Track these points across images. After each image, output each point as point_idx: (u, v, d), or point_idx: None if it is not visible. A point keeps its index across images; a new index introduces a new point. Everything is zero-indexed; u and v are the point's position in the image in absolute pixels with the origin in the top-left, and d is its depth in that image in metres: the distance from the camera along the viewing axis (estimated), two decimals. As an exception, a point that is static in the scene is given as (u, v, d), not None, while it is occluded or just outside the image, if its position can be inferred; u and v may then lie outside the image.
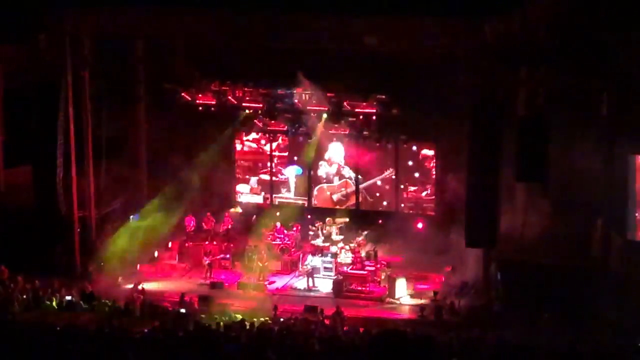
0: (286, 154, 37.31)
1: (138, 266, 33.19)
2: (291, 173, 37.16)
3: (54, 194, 31.76)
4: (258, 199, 37.70)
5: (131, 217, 36.02)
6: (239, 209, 37.04)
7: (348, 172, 36.79)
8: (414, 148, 35.62)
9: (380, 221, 35.41)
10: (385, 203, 36.38)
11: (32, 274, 29.91)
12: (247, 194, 37.92)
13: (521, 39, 28.01)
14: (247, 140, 37.60)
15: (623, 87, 28.17)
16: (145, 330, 24.37)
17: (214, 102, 34.44)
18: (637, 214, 29.01)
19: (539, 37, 28.13)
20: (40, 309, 27.97)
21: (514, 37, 28.08)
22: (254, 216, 36.28)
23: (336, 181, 37.00)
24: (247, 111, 34.86)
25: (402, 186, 36.01)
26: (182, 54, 35.40)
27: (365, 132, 34.09)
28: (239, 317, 27.24)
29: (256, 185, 37.83)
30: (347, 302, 30.28)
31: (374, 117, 33.40)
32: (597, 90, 28.75)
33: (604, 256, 29.19)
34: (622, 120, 28.44)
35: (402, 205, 36.15)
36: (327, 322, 27.85)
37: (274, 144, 37.23)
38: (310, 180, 37.07)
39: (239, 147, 37.75)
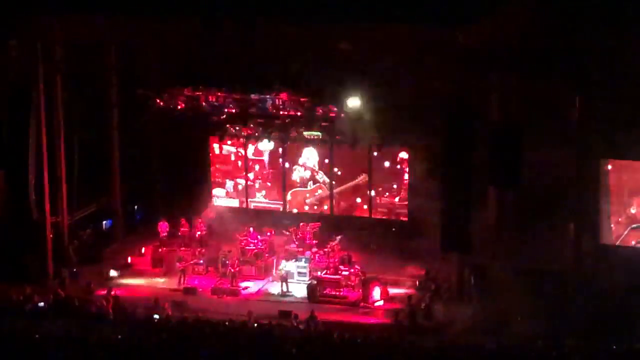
0: (261, 157, 37.32)
1: (111, 272, 33.05)
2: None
3: (26, 199, 31.61)
4: (234, 203, 37.70)
5: (104, 222, 35.98)
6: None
7: (322, 177, 36.84)
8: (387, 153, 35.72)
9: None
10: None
11: (3, 280, 29.74)
12: (222, 197, 37.92)
13: (493, 46, 28.13)
14: (222, 144, 37.56)
15: (594, 92, 28.36)
16: (119, 337, 24.26)
17: (187, 107, 34.36)
18: (608, 218, 29.26)
19: (510, 44, 28.25)
20: (12, 316, 27.76)
21: (486, 44, 28.20)
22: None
23: (310, 186, 37.05)
24: (220, 116, 34.78)
25: (373, 192, 36.12)
26: (155, 59, 35.30)
27: (338, 137, 34.11)
28: None
29: (232, 190, 37.83)
30: (321, 306, 30.31)
31: (348, 123, 33.41)
32: (568, 96, 28.92)
33: (577, 260, 29.36)
34: (593, 125, 28.64)
35: (376, 210, 36.22)
36: (301, 326, 27.86)
37: (249, 149, 37.24)
38: (284, 184, 37.15)
39: (214, 151, 37.72)
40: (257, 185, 37.51)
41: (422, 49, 29.30)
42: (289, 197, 37.19)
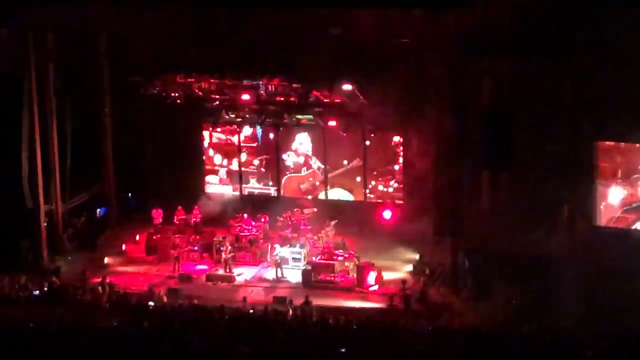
0: (255, 144, 37.31)
1: (105, 259, 33.07)
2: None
3: (19, 188, 31.57)
4: (227, 190, 37.72)
5: (98, 210, 35.97)
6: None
7: (316, 162, 36.85)
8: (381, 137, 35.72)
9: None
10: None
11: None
12: (216, 184, 37.93)
13: (485, 30, 28.12)
14: (215, 131, 37.54)
15: (586, 75, 28.35)
16: (114, 324, 24.30)
17: (179, 94, 34.32)
18: (602, 200, 29.31)
19: (502, 27, 28.25)
20: (8, 305, 27.81)
21: (478, 27, 28.19)
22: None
23: (304, 171, 37.05)
24: (213, 103, 34.74)
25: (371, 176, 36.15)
26: (147, 46, 35.20)
27: (331, 123, 34.11)
28: None
29: (225, 176, 37.83)
30: (316, 292, 30.35)
31: (341, 107, 33.39)
32: (560, 79, 28.92)
33: (571, 242, 29.40)
34: (586, 107, 28.64)
35: (370, 194, 36.25)
36: (296, 312, 27.91)
37: (242, 135, 37.24)
38: (278, 170, 37.17)
39: (206, 138, 37.71)
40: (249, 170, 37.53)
41: (414, 33, 29.30)
42: (283, 182, 37.21)
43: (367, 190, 36.07)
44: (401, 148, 35.41)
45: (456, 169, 28.95)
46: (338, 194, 36.54)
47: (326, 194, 36.75)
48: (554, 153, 28.88)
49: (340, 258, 31.88)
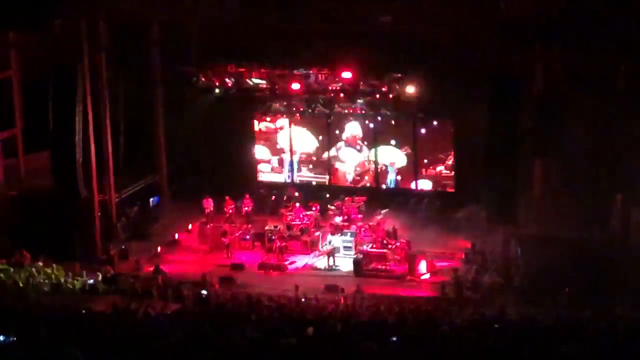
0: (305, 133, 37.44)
1: (159, 248, 33.32)
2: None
3: (73, 178, 31.84)
4: (279, 178, 37.85)
5: (151, 200, 36.22)
6: None
7: (366, 151, 36.81)
8: (435, 123, 35.57)
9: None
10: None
11: (53, 259, 30.08)
12: (268, 172, 38.07)
13: (537, 16, 27.87)
14: (263, 120, 37.66)
15: (639, 60, 27.99)
16: (168, 313, 24.44)
17: (231, 84, 34.46)
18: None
19: (554, 13, 27.98)
20: (62, 294, 28.08)
21: (530, 13, 27.95)
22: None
23: (354, 160, 37.03)
24: (264, 93, 34.83)
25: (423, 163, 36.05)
26: (198, 36, 35.38)
27: (381, 111, 34.03)
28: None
29: (277, 165, 37.96)
30: (367, 280, 30.34)
31: (390, 96, 33.31)
32: (614, 65, 28.59)
33: (624, 230, 29.11)
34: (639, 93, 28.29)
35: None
36: (347, 301, 27.92)
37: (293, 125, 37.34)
38: (329, 159, 37.20)
39: (257, 127, 37.83)
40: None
41: (466, 20, 29.13)
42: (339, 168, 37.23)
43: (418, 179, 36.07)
44: (452, 135, 35.32)
45: (508, 156, 28.72)
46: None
47: (377, 182, 36.72)
48: (608, 140, 28.59)
49: (391, 247, 31.86)
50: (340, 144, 36.94)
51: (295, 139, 37.46)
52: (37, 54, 32.34)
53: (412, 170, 36.15)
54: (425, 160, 35.99)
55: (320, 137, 36.98)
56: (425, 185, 35.93)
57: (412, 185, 36.25)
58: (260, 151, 37.90)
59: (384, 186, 36.65)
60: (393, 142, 36.23)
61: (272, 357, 15.41)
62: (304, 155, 37.62)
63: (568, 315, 24.28)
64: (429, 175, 36.01)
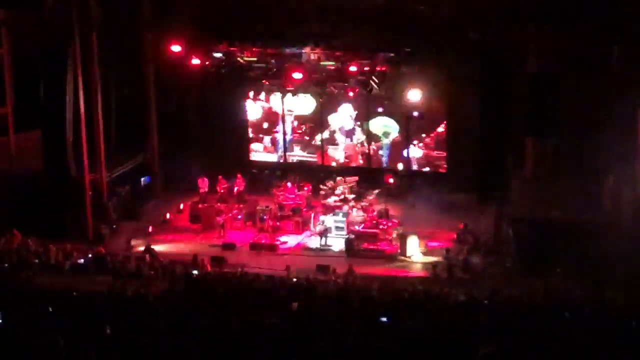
0: (298, 112, 37.31)
1: (150, 228, 33.25)
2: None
3: (64, 157, 31.73)
4: (272, 158, 37.79)
5: (142, 179, 36.14)
6: None
7: (358, 131, 36.75)
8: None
9: (391, 180, 35.55)
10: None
11: (43, 238, 30.01)
12: (260, 152, 38.01)
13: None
14: (258, 99, 37.57)
15: (633, 40, 27.94)
16: (158, 292, 24.39)
17: (222, 63, 34.31)
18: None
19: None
20: (53, 273, 28.01)
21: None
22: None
23: (347, 141, 36.98)
24: (256, 72, 34.70)
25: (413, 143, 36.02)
26: (189, 15, 35.20)
27: (373, 91, 33.94)
28: None
29: (270, 144, 37.89)
30: (359, 260, 30.33)
31: (383, 76, 33.20)
32: (606, 45, 28.53)
33: (616, 211, 29.11)
34: (632, 74, 28.23)
35: (413, 163, 36.15)
36: (339, 280, 27.91)
37: (285, 103, 37.20)
38: (322, 139, 37.15)
39: (249, 106, 37.74)
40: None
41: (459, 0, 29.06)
42: (330, 152, 37.17)
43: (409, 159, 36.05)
44: (444, 115, 35.30)
45: (500, 136, 28.71)
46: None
47: (369, 163, 36.71)
48: (600, 121, 28.57)
49: (382, 226, 31.84)
50: (335, 127, 36.84)
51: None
52: (28, 31, 32.17)
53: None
54: (416, 141, 35.92)
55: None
56: (416, 153, 35.80)
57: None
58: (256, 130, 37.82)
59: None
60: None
61: (260, 337, 15.36)
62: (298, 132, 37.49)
63: (559, 296, 24.33)
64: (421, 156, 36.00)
